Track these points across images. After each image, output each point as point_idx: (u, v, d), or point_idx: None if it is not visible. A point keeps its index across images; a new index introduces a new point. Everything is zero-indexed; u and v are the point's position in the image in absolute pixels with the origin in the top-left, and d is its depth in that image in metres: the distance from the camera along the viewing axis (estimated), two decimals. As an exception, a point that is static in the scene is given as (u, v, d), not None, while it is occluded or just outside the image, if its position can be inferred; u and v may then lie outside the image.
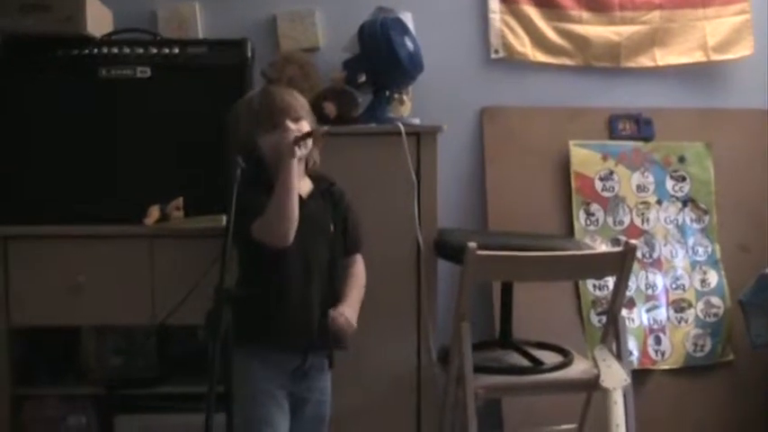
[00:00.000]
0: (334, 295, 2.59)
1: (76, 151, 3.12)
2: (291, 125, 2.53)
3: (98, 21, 3.20)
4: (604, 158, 3.71)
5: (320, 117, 3.10)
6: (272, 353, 2.51)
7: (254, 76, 3.30)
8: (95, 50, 3.14)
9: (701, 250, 3.73)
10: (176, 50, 3.17)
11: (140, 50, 3.16)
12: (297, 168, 2.45)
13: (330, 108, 3.08)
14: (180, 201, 3.03)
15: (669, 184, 3.75)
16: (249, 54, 3.21)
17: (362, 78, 3.19)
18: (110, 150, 3.13)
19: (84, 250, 3.06)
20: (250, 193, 2.43)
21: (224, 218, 2.52)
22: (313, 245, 2.53)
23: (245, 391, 2.48)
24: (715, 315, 3.68)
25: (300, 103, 2.62)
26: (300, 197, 2.49)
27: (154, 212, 3.04)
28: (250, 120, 2.58)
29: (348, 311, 2.55)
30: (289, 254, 2.46)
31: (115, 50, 3.15)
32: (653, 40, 3.80)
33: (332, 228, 2.60)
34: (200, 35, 3.57)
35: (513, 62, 3.74)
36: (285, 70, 3.37)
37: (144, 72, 3.15)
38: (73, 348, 3.26)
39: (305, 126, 2.56)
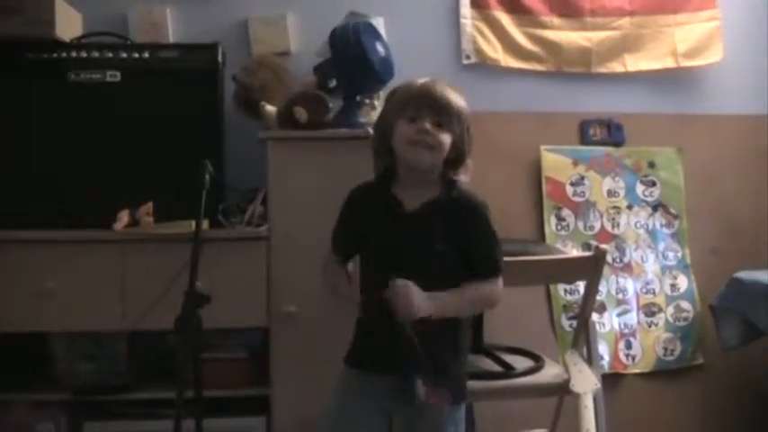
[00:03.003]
0: (442, 321, 2.18)
1: (45, 155, 3.11)
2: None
3: (67, 24, 3.18)
4: (575, 163, 3.73)
5: (291, 122, 3.11)
6: (367, 370, 2.25)
7: (226, 80, 3.29)
8: (64, 54, 3.12)
9: (671, 255, 3.75)
10: (147, 54, 3.16)
11: (110, 54, 3.15)
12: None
13: (301, 113, 3.08)
14: (150, 206, 3.02)
15: (640, 188, 3.77)
16: (220, 58, 3.21)
17: (333, 83, 3.19)
18: (79, 155, 3.11)
19: (54, 255, 3.03)
20: (344, 207, 2.33)
21: (193, 223, 2.52)
22: (408, 265, 2.15)
23: (332, 399, 2.28)
24: (685, 319, 3.70)
25: (454, 105, 2.22)
26: (402, 208, 2.21)
27: (123, 217, 3.02)
28: (395, 103, 2.28)
29: (417, 291, 2.11)
30: (379, 271, 2.16)
31: (84, 54, 3.13)
32: (624, 45, 3.82)
33: (439, 245, 2.20)
34: (171, 39, 3.55)
35: (484, 67, 3.75)
36: (258, 74, 3.37)
37: (114, 76, 3.14)
38: (42, 354, 3.23)
39: (444, 136, 2.19)
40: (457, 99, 2.23)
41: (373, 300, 2.15)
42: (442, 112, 2.20)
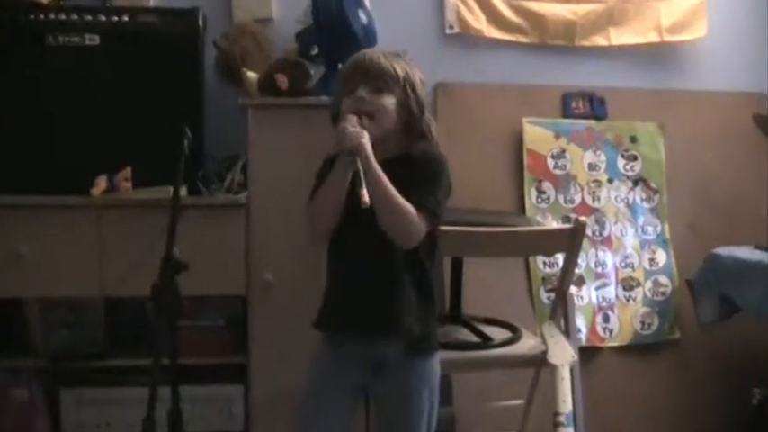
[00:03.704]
0: (398, 286, 2.21)
1: (23, 119, 3.06)
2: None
3: (45, -14, 3.13)
4: (557, 137, 3.72)
5: (272, 89, 3.09)
6: (337, 339, 2.28)
7: (207, 46, 3.25)
8: (42, 17, 3.07)
9: (650, 229, 3.76)
10: (126, 18, 3.12)
11: (89, 18, 3.10)
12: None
13: (282, 80, 3.06)
14: (128, 171, 3.00)
15: (620, 163, 3.77)
16: (201, 23, 3.17)
17: (315, 50, 3.17)
18: (57, 119, 3.07)
19: (31, 221, 3.01)
20: (323, 167, 2.27)
21: (171, 189, 2.50)
22: (368, 227, 2.13)
23: (306, 377, 2.31)
24: (663, 294, 3.72)
25: (387, 69, 2.22)
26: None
27: (101, 183, 3.00)
28: (339, 81, 2.33)
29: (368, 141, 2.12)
30: (343, 236, 2.22)
31: (63, 17, 3.09)
32: (608, 19, 3.80)
33: None
34: (152, 3, 3.49)
35: (467, 38, 3.73)
36: (239, 41, 3.34)
37: (93, 40, 3.10)
38: (18, 321, 3.21)
39: (386, 100, 2.20)
40: (392, 63, 2.23)
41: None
42: (377, 78, 2.21)
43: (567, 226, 2.86)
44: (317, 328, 2.30)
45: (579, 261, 3.21)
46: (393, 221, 2.13)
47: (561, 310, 2.98)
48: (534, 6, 3.75)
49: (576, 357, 2.78)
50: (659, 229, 3.76)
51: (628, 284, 3.71)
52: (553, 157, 3.71)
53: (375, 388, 2.29)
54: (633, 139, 3.78)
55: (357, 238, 2.20)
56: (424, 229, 2.17)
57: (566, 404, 2.65)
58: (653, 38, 3.83)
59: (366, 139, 2.11)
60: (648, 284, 3.72)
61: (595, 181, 3.74)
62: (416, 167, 2.22)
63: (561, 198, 3.70)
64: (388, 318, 2.21)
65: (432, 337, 2.30)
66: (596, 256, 3.70)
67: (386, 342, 2.23)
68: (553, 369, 2.69)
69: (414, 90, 2.25)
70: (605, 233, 3.72)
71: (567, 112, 3.76)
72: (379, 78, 2.21)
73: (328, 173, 2.21)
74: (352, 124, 2.13)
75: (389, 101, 2.21)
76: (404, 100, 2.23)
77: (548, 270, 3.63)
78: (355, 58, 2.28)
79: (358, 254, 2.22)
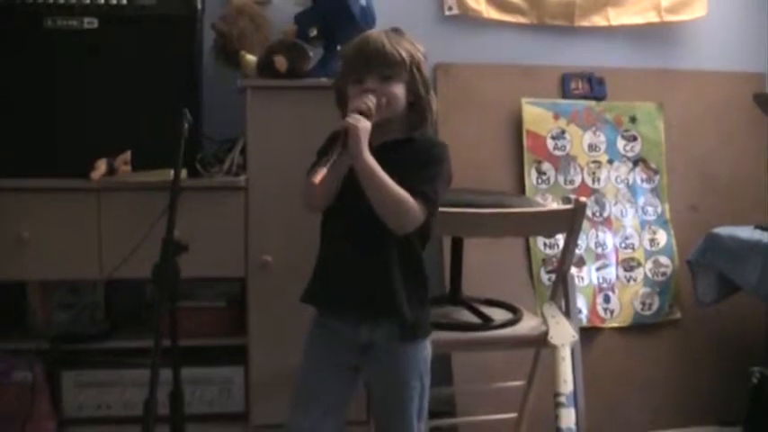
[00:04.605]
0: (388, 267, 2.18)
1: (21, 103, 3.05)
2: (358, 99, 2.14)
3: (43, -32, 3.12)
4: (556, 117, 3.71)
5: (271, 71, 3.08)
6: (326, 318, 2.26)
7: (205, 29, 3.25)
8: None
9: (650, 210, 3.76)
10: (124, 1, 3.10)
11: (87, 0, 3.08)
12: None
13: (281, 62, 3.06)
14: (128, 154, 2.99)
15: (620, 143, 3.76)
16: (199, 6, 3.15)
17: (314, 32, 3.17)
18: (55, 102, 3.06)
19: (31, 204, 3.01)
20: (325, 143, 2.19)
21: (171, 172, 2.50)
22: (360, 206, 2.12)
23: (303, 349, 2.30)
24: (663, 274, 3.72)
25: (393, 56, 2.17)
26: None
27: (101, 166, 2.99)
28: (342, 65, 2.28)
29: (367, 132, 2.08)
30: (336, 213, 2.20)
31: (61, 0, 3.07)
32: (607, -1, 3.80)
33: (395, 180, 2.12)
34: (150, -15, 3.48)
35: (466, 19, 3.72)
36: (237, 23, 3.33)
37: (91, 23, 3.08)
38: (18, 303, 3.22)
39: (395, 87, 2.18)
40: (396, 47, 2.18)
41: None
42: (384, 65, 2.17)
43: (567, 206, 2.86)
44: (303, 300, 2.27)
45: (579, 242, 3.21)
46: (388, 211, 2.11)
47: (562, 290, 2.99)
48: (533, -14, 3.75)
49: (576, 338, 2.79)
50: (659, 209, 3.76)
51: (628, 265, 3.71)
52: (553, 137, 3.70)
53: (366, 371, 2.28)
54: (633, 120, 3.78)
55: (350, 216, 2.17)
56: (422, 217, 2.14)
57: (566, 384, 2.66)
58: (652, 18, 3.83)
59: (363, 129, 2.06)
60: (649, 265, 3.72)
61: (595, 161, 3.74)
62: (418, 153, 2.21)
63: (561, 179, 3.70)
64: (374, 302, 2.19)
65: (422, 322, 2.26)
66: (596, 236, 3.69)
67: (371, 327, 2.21)
68: (554, 350, 2.70)
69: (419, 69, 2.22)
70: (605, 214, 3.72)
71: (566, 93, 3.76)
72: (386, 66, 2.17)
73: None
74: (354, 117, 2.09)
75: (399, 88, 2.19)
76: (411, 83, 2.21)
77: (548, 251, 3.63)
78: (359, 43, 2.22)
79: (349, 232, 2.19)
